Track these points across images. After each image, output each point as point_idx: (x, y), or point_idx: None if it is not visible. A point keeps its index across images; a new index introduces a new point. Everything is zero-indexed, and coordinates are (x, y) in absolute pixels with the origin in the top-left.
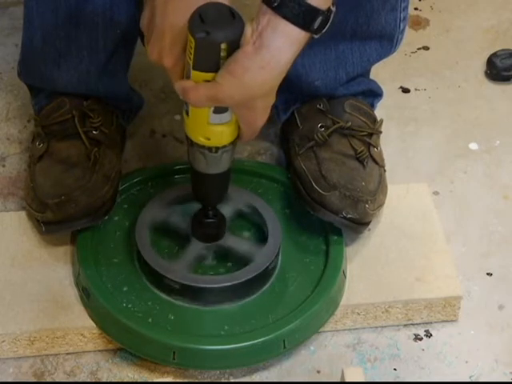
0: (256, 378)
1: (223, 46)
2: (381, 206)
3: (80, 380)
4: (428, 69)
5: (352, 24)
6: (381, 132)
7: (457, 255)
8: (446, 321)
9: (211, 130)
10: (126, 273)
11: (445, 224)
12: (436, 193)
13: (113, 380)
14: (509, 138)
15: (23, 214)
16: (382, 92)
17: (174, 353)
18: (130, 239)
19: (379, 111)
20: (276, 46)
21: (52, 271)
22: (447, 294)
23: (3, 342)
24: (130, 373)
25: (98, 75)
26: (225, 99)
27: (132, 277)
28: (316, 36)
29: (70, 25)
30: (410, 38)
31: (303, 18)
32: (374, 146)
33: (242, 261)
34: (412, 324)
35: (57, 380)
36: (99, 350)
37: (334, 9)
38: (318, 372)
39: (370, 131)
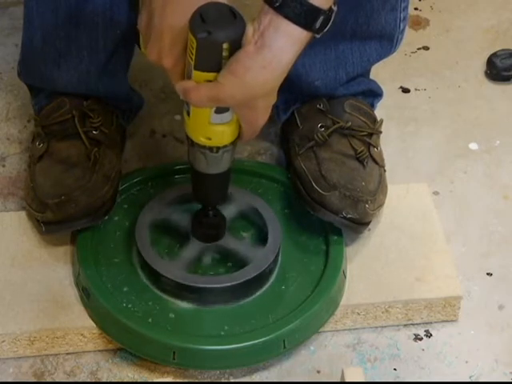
0: (256, 378)
1: (225, 45)
2: (381, 205)
3: (80, 380)
4: (428, 69)
5: (352, 24)
6: (381, 132)
7: (457, 255)
8: (446, 321)
9: (212, 130)
10: (126, 273)
11: (445, 224)
12: (436, 193)
13: (113, 380)
14: (509, 137)
15: (23, 214)
16: (381, 92)
17: (174, 353)
18: (130, 239)
19: (379, 111)
20: (278, 45)
21: (52, 271)
22: (447, 294)
23: (3, 341)
24: (130, 373)
25: (98, 75)
26: (226, 99)
27: (132, 277)
28: (318, 35)
29: (69, 25)
30: (410, 37)
31: (305, 17)
32: (374, 146)
33: (240, 263)
34: (412, 324)
35: (57, 380)
36: (99, 350)
37: (335, 8)
38: (318, 372)
39: (370, 131)
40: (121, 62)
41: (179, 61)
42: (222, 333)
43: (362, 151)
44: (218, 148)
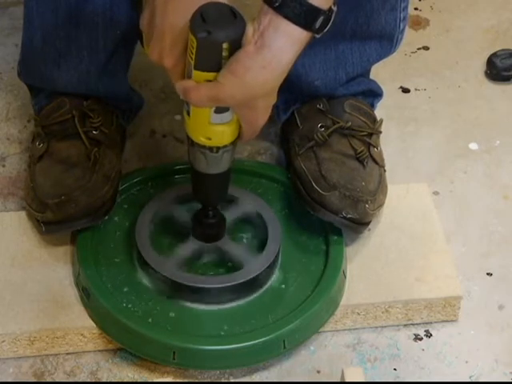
0: (256, 378)
1: (225, 45)
2: (381, 206)
3: (80, 380)
4: (428, 69)
5: (352, 24)
6: (381, 132)
7: (457, 255)
8: (446, 321)
9: (212, 130)
10: (126, 273)
11: (445, 224)
12: (436, 193)
13: (113, 380)
14: (509, 137)
15: (23, 214)
16: (381, 92)
17: (174, 353)
18: (130, 239)
19: (379, 111)
20: (277, 45)
21: (52, 271)
22: (447, 294)
23: (3, 341)
24: (130, 373)
25: (98, 75)
26: (226, 99)
27: (132, 277)
28: (317, 36)
29: (70, 25)
30: (409, 37)
31: (305, 17)
32: (374, 146)
33: (234, 267)
34: (412, 324)
35: (57, 380)
36: (99, 350)
37: (335, 8)
38: (318, 372)
39: (370, 131)
40: (121, 62)
41: (180, 60)
42: (222, 333)
43: (361, 151)
44: (218, 148)
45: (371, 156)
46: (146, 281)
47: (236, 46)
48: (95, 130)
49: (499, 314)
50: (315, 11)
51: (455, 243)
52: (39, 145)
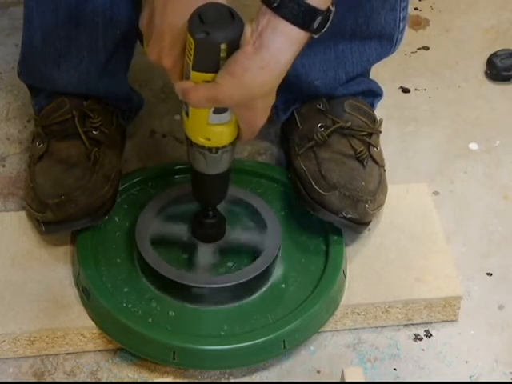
0: (256, 378)
1: (223, 46)
2: (381, 205)
3: (80, 380)
4: (428, 69)
5: (351, 24)
6: (381, 132)
7: (457, 255)
8: (446, 321)
9: (211, 131)
10: (127, 273)
11: (445, 224)
12: (436, 193)
13: (113, 380)
14: (509, 137)
15: (23, 214)
16: (381, 92)
17: (173, 353)
18: (130, 239)
19: (379, 111)
20: (276, 46)
21: (52, 271)
22: (447, 294)
23: (3, 341)
24: (130, 373)
25: (98, 75)
26: (225, 100)
27: (132, 277)
28: (316, 36)
29: (70, 25)
30: (409, 37)
31: (303, 18)
32: (374, 146)
33: (248, 250)
34: (412, 324)
35: (57, 380)
36: (99, 350)
37: (333, 9)
38: (318, 372)
39: (370, 131)
40: (121, 62)
41: (179, 61)
42: (222, 333)
43: (361, 151)
44: (217, 148)
45: (371, 156)
46: (146, 281)
47: (234, 46)
48: (95, 130)
49: (499, 314)
50: (313, 11)
51: (455, 243)
52: (39, 145)
